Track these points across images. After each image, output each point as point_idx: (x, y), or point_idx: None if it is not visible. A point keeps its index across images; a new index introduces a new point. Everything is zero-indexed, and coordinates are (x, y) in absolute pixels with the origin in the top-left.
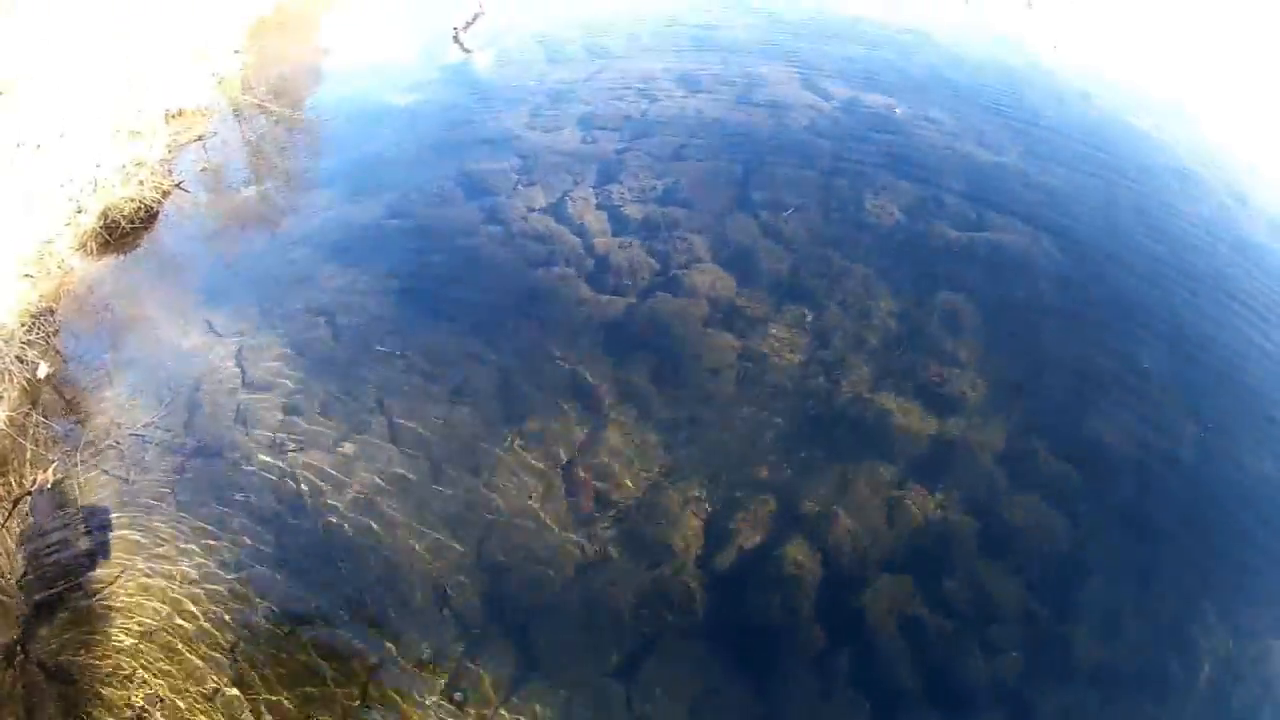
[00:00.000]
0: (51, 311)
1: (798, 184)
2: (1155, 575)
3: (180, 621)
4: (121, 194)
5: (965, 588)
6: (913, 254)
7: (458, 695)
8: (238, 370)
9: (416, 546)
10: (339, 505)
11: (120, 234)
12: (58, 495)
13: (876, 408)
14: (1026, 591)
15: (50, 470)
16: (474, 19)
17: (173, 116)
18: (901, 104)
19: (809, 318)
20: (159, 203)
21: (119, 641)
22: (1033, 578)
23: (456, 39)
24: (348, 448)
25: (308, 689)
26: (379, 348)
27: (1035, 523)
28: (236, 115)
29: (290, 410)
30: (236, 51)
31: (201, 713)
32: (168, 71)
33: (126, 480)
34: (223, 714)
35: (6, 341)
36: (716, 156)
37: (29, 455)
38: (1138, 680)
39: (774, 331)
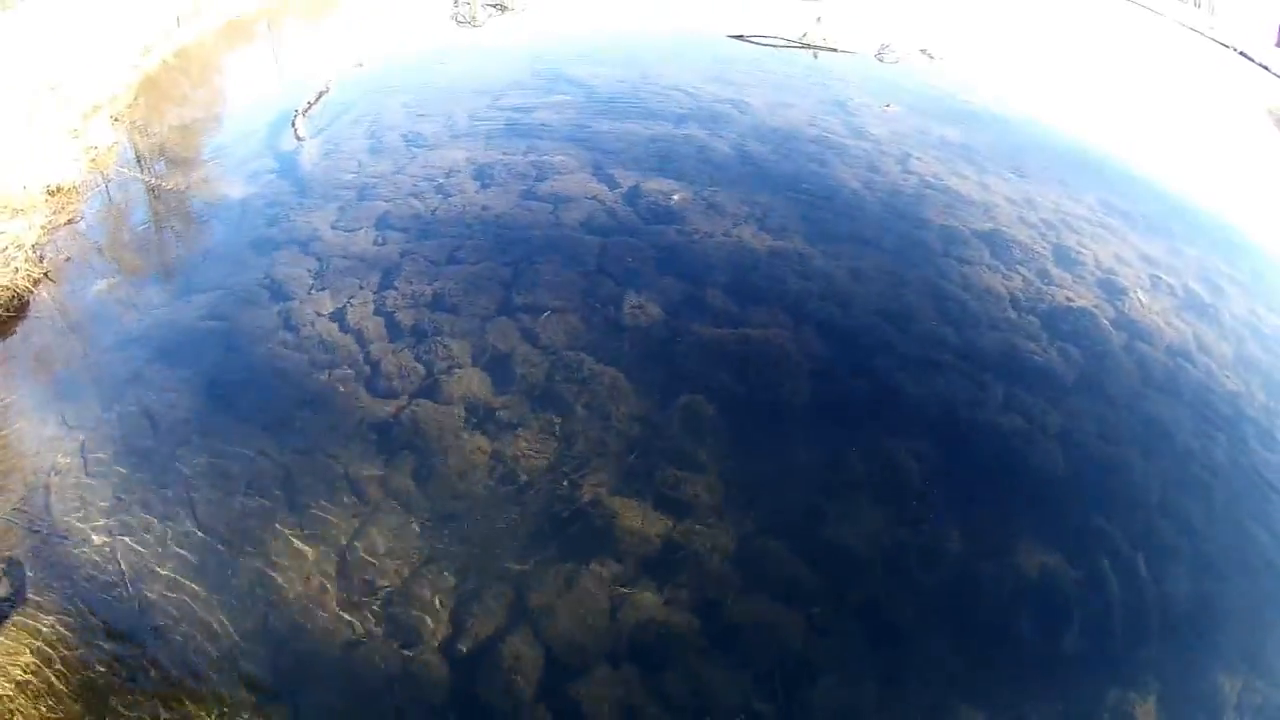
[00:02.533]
0: None
1: (562, 285)
2: (897, 675)
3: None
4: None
5: (685, 681)
6: (665, 355)
7: None
8: (81, 461)
9: (214, 621)
10: (154, 584)
11: None
12: None
13: (610, 509)
14: (752, 686)
15: None
16: (318, 98)
17: (52, 193)
18: (686, 189)
19: (557, 422)
20: (30, 291)
21: None
22: (759, 673)
23: (294, 123)
24: (161, 533)
25: None
26: (189, 444)
27: (765, 621)
28: (107, 193)
29: (119, 498)
30: (116, 119)
31: None
32: (50, 142)
33: None
34: None
35: None
36: (489, 258)
37: None
38: None
39: (523, 435)
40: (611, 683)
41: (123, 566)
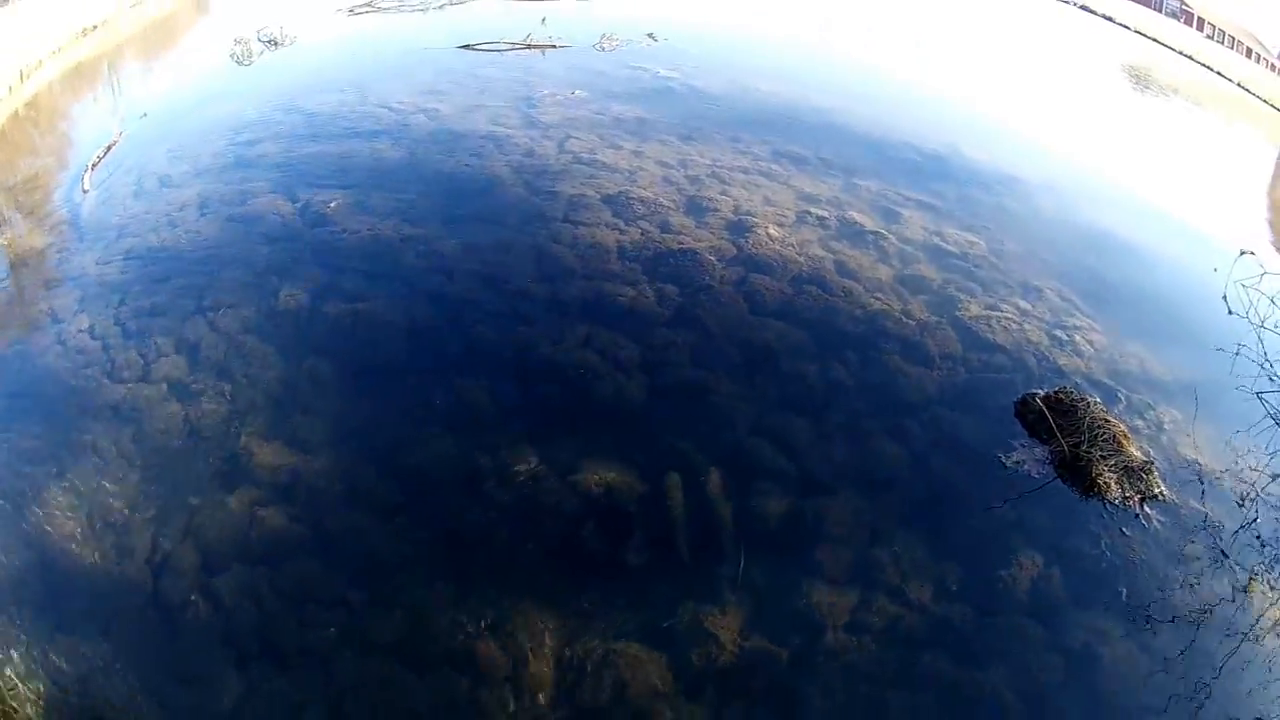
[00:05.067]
0: None
1: (240, 286)
2: (468, 577)
3: None
4: None
5: (296, 578)
6: (302, 331)
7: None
8: None
9: (10, 557)
10: None
11: None
12: None
13: (253, 450)
14: (346, 582)
15: None
16: (108, 150)
17: None
18: (344, 196)
19: (227, 388)
20: None
21: None
22: (352, 570)
23: (83, 177)
24: None
25: None
26: None
27: (360, 530)
28: None
29: None
30: None
31: None
32: None
33: None
34: None
35: None
36: (192, 271)
37: None
38: (449, 661)
39: (204, 400)
40: (244, 578)
41: None
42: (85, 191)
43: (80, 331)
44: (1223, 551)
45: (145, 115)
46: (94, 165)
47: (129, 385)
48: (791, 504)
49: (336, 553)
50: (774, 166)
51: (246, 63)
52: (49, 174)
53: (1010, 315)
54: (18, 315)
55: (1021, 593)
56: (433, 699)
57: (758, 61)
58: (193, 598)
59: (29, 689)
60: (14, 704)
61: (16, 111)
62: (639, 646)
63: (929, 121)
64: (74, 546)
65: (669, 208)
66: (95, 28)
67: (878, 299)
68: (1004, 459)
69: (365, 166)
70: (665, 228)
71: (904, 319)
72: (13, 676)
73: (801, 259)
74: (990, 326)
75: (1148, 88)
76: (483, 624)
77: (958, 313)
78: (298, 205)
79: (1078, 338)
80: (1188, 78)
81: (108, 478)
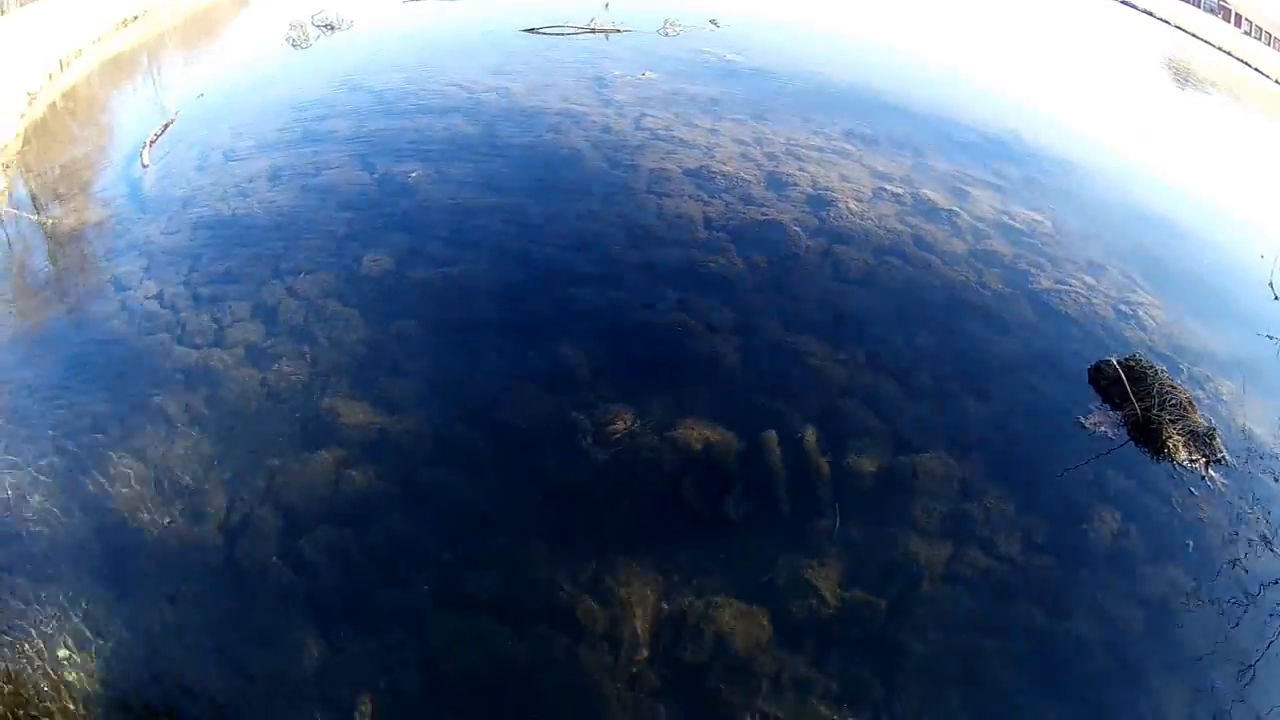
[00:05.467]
0: None
1: (319, 252)
2: (567, 532)
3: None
4: None
5: (387, 536)
6: (389, 295)
7: (87, 613)
8: None
9: (72, 524)
10: (30, 503)
11: None
12: None
13: (339, 411)
14: (440, 540)
15: None
16: (165, 128)
17: None
18: (425, 168)
19: (308, 352)
20: None
21: None
22: (447, 529)
23: (141, 153)
24: (33, 467)
25: None
26: (55, 401)
27: (453, 488)
28: None
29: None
30: (5, 166)
31: None
32: None
33: None
34: None
35: None
36: (268, 238)
37: None
38: (547, 619)
39: (284, 364)
40: (331, 538)
41: (8, 495)
42: (145, 166)
43: (148, 298)
44: None
45: (202, 95)
46: (151, 142)
47: (200, 350)
48: (884, 461)
49: (428, 511)
50: (846, 145)
51: (304, 46)
52: (101, 152)
53: (1079, 289)
54: (79, 284)
55: (1102, 547)
56: (530, 657)
57: (819, 48)
58: (274, 559)
59: (85, 656)
60: (72, 674)
61: (62, 95)
62: (739, 600)
63: (989, 108)
64: (140, 511)
65: (749, 182)
66: (136, 18)
67: (955, 270)
68: (1082, 421)
69: (441, 140)
70: (748, 200)
71: (980, 289)
72: (72, 645)
73: (881, 232)
74: (1061, 299)
75: (1188, 81)
76: (580, 580)
77: (1030, 285)
78: (375, 176)
79: (1140, 312)
80: (1226, 72)
81: (178, 442)
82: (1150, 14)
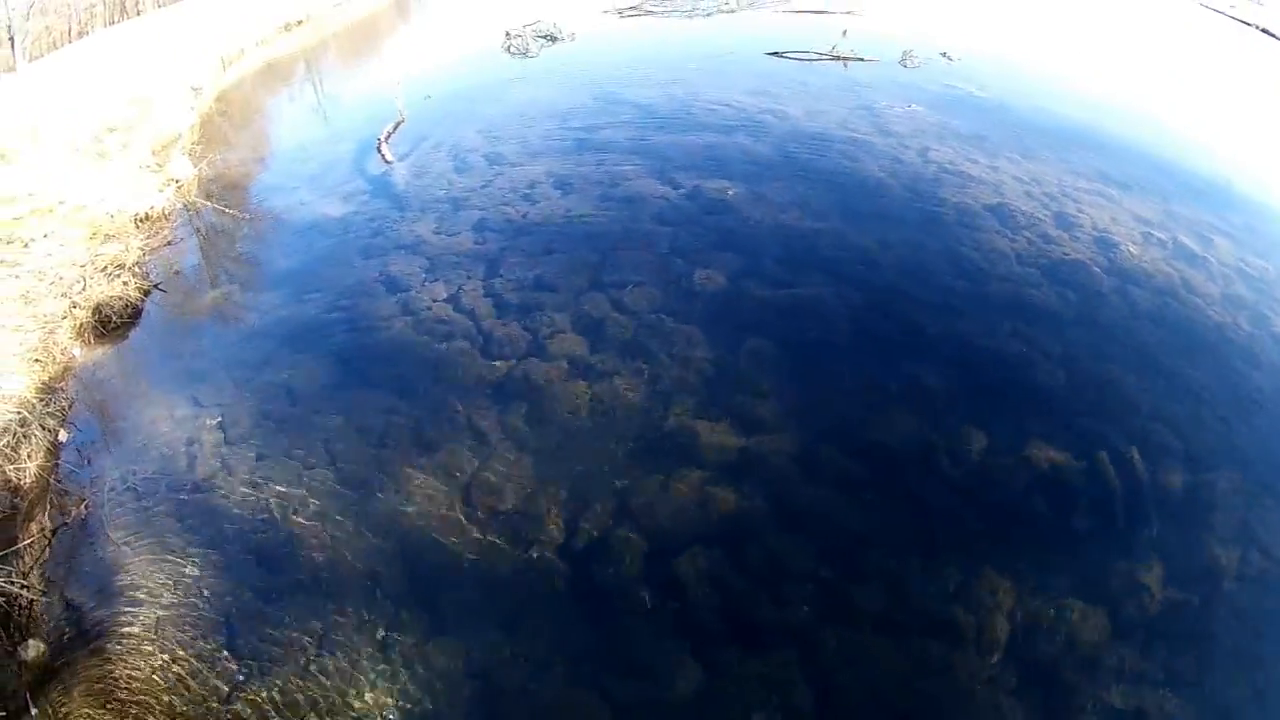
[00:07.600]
0: (62, 390)
1: (641, 265)
2: (934, 547)
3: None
4: (108, 292)
5: (762, 556)
6: (730, 313)
7: (389, 642)
8: (220, 431)
9: (359, 544)
10: (301, 519)
11: (112, 327)
12: (88, 529)
13: (693, 429)
14: (816, 558)
15: (81, 507)
16: (395, 128)
17: (140, 221)
18: (737, 186)
19: (645, 368)
20: (141, 300)
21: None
22: (822, 547)
23: (379, 149)
24: (304, 480)
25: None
26: (325, 409)
27: (825, 507)
28: (194, 220)
29: (261, 457)
30: (187, 155)
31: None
32: (126, 176)
33: (142, 512)
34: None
35: (30, 412)
36: (578, 248)
37: (58, 501)
38: (922, 628)
39: (617, 380)
40: (702, 560)
41: (270, 511)
42: (389, 162)
43: (436, 301)
44: None
45: (429, 98)
46: (386, 139)
47: (511, 361)
48: (1185, 476)
49: (803, 530)
50: (1105, 188)
51: (526, 55)
52: (318, 148)
53: None
54: (333, 281)
55: None
56: (910, 665)
57: (1045, 83)
58: (637, 583)
59: (395, 691)
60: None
61: (238, 86)
62: (1082, 602)
63: (1194, 148)
64: (450, 534)
65: (1042, 220)
66: (300, 23)
67: (1215, 312)
68: None
69: (737, 159)
70: (1046, 239)
71: (1237, 328)
72: (379, 678)
73: (1158, 275)
74: None
75: None
76: (950, 591)
77: (1274, 329)
78: (680, 191)
79: None
80: None
81: (494, 459)
82: None
